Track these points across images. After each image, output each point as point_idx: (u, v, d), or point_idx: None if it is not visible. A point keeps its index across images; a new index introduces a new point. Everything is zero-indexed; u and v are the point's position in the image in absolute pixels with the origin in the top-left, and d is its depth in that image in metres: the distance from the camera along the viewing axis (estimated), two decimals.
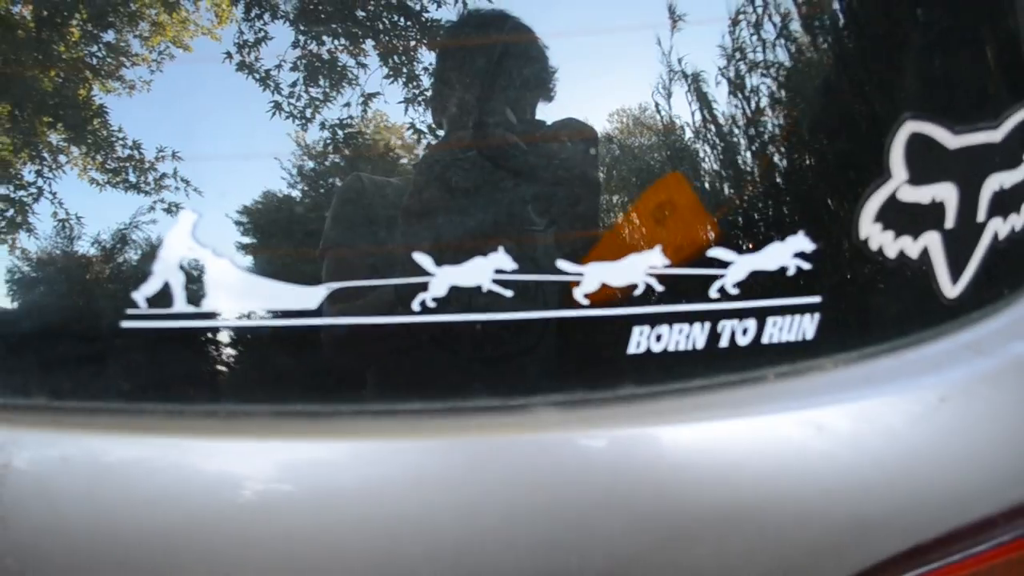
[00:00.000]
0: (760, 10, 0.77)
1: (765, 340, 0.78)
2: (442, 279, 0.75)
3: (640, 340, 0.77)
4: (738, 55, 0.77)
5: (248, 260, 0.76)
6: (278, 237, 0.76)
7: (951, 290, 0.83)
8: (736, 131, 0.78)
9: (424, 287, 0.75)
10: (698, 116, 0.77)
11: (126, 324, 0.77)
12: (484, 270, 0.75)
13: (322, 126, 0.78)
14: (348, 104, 0.77)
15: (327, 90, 0.77)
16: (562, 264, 0.76)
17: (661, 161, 0.77)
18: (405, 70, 0.77)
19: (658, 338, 0.77)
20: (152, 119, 0.79)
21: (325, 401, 0.77)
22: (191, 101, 0.80)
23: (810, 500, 0.77)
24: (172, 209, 0.76)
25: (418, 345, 0.76)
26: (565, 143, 0.77)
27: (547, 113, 0.79)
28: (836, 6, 0.80)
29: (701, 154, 0.78)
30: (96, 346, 0.78)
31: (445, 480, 0.75)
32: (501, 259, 0.75)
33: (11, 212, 0.80)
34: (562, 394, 0.77)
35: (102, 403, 0.79)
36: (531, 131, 0.77)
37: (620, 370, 0.77)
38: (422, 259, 0.75)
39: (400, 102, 0.77)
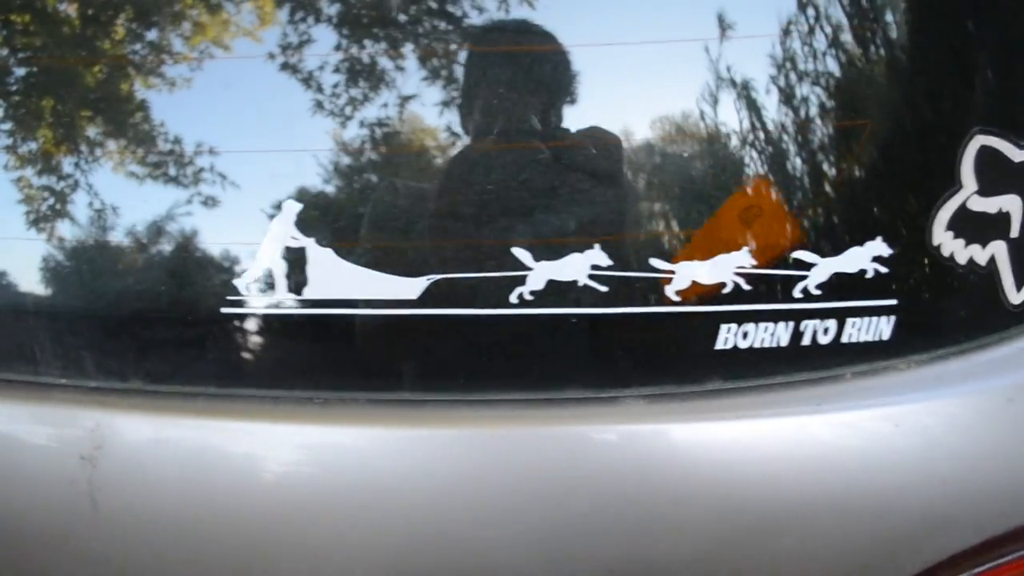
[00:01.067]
0: (857, 27, 0.81)
1: (844, 340, 0.81)
2: (540, 273, 0.78)
3: (728, 337, 0.79)
4: (826, 73, 0.81)
5: (351, 250, 0.78)
6: (382, 230, 0.78)
7: (1016, 296, 0.87)
8: (821, 142, 0.82)
9: (522, 281, 0.77)
10: (789, 128, 0.80)
11: (226, 310, 0.79)
12: (581, 266, 0.78)
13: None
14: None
15: None
16: (655, 262, 0.78)
17: (754, 168, 0.81)
18: (444, 73, 0.79)
19: (744, 335, 0.80)
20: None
21: (424, 390, 0.79)
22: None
23: (886, 494, 0.80)
24: (277, 207, 0.78)
25: (515, 337, 0.78)
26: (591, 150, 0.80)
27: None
28: (916, 27, 0.84)
29: (789, 163, 0.82)
30: (195, 331, 0.80)
31: (538, 467, 0.77)
32: (597, 255, 0.78)
33: (95, 203, 0.82)
34: (652, 387, 0.80)
35: (199, 388, 0.80)
36: (555, 138, 0.79)
37: (708, 365, 0.80)
38: (521, 254, 0.78)
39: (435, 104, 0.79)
